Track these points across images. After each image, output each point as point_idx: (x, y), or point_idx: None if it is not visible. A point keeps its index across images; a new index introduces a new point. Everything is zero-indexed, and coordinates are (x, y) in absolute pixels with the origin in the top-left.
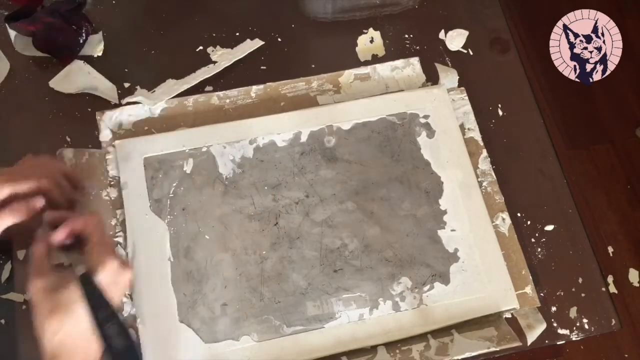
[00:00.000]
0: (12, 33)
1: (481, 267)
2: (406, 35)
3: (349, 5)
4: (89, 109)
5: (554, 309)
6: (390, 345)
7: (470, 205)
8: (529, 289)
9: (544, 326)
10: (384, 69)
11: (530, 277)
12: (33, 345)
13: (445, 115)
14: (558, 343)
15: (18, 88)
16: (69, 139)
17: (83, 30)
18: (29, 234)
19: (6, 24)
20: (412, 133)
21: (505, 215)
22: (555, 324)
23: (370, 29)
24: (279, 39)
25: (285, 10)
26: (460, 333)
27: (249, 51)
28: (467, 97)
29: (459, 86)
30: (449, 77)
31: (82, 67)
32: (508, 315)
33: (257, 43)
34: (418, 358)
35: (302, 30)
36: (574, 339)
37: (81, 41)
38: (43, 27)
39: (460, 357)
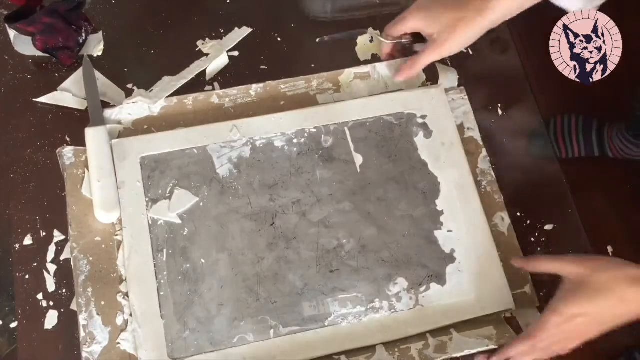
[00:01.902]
0: (12, 33)
1: (477, 268)
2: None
3: (349, 5)
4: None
5: None
6: (389, 344)
7: (467, 206)
8: (527, 289)
9: None
10: (383, 68)
11: (529, 277)
12: (33, 345)
13: (443, 115)
14: None
15: (18, 88)
16: (68, 139)
17: (83, 30)
18: None
19: (6, 24)
20: (409, 133)
21: (505, 214)
22: None
23: (370, 29)
24: (279, 39)
25: (284, 10)
26: (459, 332)
27: (238, 40)
28: (466, 97)
29: (459, 86)
30: (448, 76)
31: None
32: (508, 315)
33: (245, 31)
34: (417, 356)
35: (301, 30)
36: None
37: (81, 41)
38: (43, 28)
39: (459, 355)
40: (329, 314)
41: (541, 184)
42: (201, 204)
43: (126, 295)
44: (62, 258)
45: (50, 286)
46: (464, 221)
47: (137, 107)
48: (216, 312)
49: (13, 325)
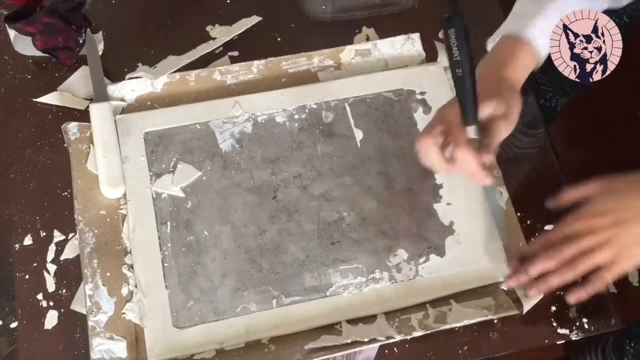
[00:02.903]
0: (12, 33)
1: (476, 240)
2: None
3: (349, 5)
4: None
5: (553, 308)
6: (389, 315)
7: (466, 180)
8: None
9: (540, 295)
10: (384, 45)
11: None
12: (33, 345)
13: (442, 92)
14: (558, 343)
15: (18, 88)
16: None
17: (83, 30)
18: None
19: (6, 24)
20: (408, 109)
21: (503, 189)
22: (555, 324)
23: (364, 27)
24: (279, 39)
25: (284, 10)
26: (458, 302)
27: (246, 27)
28: None
29: None
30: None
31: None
32: (505, 287)
33: (255, 19)
34: (417, 326)
35: (301, 30)
36: (573, 338)
37: (81, 41)
38: (42, 28)
39: (458, 325)
40: (330, 285)
41: (541, 184)
42: (204, 178)
43: (131, 267)
44: (62, 258)
45: (50, 286)
46: (463, 194)
47: (140, 83)
48: (219, 283)
49: (13, 325)
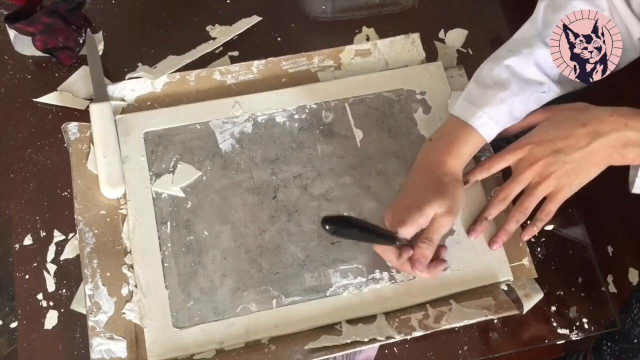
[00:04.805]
0: (12, 33)
1: (476, 240)
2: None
3: (349, 5)
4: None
5: (553, 308)
6: (389, 314)
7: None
8: (526, 261)
9: (540, 295)
10: (384, 45)
11: (528, 250)
12: (33, 345)
13: (442, 91)
14: (558, 343)
15: (18, 88)
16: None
17: (83, 30)
18: None
19: (6, 24)
20: (408, 109)
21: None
22: (555, 324)
23: (364, 27)
24: (279, 39)
25: (284, 10)
26: (458, 302)
27: (246, 27)
28: (465, 75)
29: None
30: (448, 54)
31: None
32: (505, 287)
33: (255, 19)
34: (417, 326)
35: (301, 30)
36: (573, 338)
37: (81, 41)
38: (42, 28)
39: (458, 325)
40: (330, 285)
41: None
42: (204, 178)
43: (131, 267)
44: (62, 258)
45: (50, 286)
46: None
47: (140, 83)
48: (219, 283)
49: (13, 325)
